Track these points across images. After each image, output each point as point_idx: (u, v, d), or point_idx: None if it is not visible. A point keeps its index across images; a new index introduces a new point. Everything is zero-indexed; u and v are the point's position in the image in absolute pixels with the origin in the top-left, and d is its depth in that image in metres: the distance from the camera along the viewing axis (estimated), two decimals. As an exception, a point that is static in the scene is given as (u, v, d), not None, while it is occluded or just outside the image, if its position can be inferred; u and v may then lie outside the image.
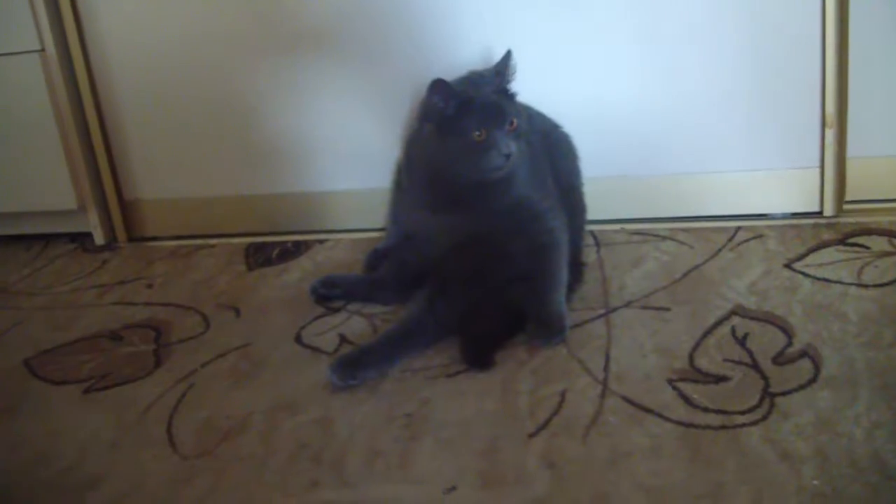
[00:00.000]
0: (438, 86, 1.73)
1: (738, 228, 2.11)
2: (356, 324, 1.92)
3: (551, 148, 2.00)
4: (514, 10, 2.08)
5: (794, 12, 2.00)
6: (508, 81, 1.82)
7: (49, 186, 2.35)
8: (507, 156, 1.73)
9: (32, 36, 2.24)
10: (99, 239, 2.41)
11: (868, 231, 2.04)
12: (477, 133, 1.72)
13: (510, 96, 1.82)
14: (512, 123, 1.75)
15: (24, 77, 2.26)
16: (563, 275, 1.83)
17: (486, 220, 1.82)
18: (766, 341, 1.69)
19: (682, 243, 2.08)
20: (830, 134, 2.04)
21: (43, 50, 2.25)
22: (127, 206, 2.41)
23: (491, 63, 1.88)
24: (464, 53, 2.09)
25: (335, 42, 2.18)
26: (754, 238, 2.07)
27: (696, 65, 2.07)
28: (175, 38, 2.25)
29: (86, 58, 2.29)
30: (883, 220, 2.06)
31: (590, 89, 2.11)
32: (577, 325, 1.80)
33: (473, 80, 1.85)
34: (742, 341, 1.70)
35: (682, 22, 2.05)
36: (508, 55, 1.83)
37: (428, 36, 2.13)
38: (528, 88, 1.89)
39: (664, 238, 2.11)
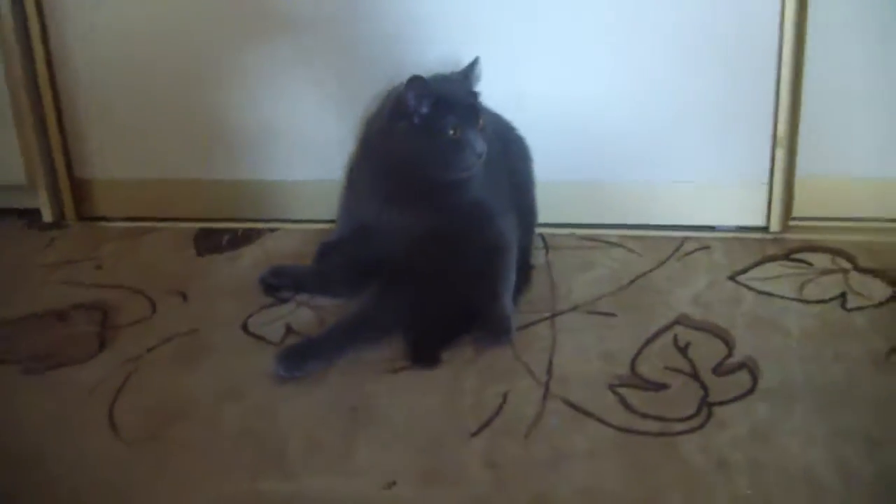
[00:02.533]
0: (416, 82, 1.74)
1: (686, 239, 2.14)
2: (303, 315, 1.92)
3: (506, 149, 2.01)
4: (482, 12, 2.09)
5: (752, 30, 2.02)
6: (474, 85, 1.84)
7: (-1, 159, 2.32)
8: (480, 155, 1.76)
9: (-12, 4, 2.20)
10: (47, 216, 2.38)
11: (812, 248, 2.07)
12: (452, 131, 1.74)
13: (477, 97, 1.84)
14: (481, 122, 1.78)
15: (-24, 45, 2.23)
16: (511, 277, 1.85)
17: (440, 218, 1.83)
18: (707, 351, 1.73)
19: (631, 251, 2.11)
20: (780, 152, 2.07)
21: (-2, 18, 2.22)
22: (77, 185, 2.37)
23: (457, 67, 1.90)
24: (429, 54, 2.09)
25: (300, 31, 2.16)
26: (701, 249, 2.10)
27: (653, 78, 2.09)
28: (137, 15, 2.21)
29: (43, 29, 2.24)
30: (827, 238, 2.10)
31: (545, 93, 2.12)
32: (523, 327, 1.82)
33: (441, 80, 1.86)
34: (684, 350, 1.73)
35: (642, 36, 2.07)
36: (476, 62, 1.86)
37: (392, 32, 2.12)
38: (483, 87, 1.92)
39: (614, 245, 2.14)
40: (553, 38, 2.10)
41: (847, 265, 2.00)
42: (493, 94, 1.96)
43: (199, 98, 2.26)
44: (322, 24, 2.15)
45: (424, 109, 1.75)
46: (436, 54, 2.08)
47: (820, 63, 2.04)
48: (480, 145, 1.75)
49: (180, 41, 2.22)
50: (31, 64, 2.27)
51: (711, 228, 2.17)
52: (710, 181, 2.14)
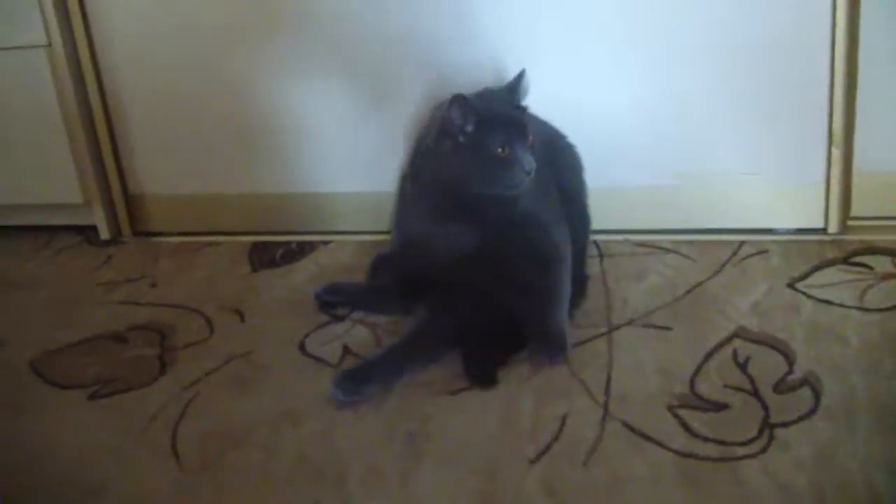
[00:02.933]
0: (459, 101, 1.73)
1: (742, 243, 2.11)
2: (360, 333, 1.92)
3: (556, 159, 2.00)
4: (527, 22, 2.07)
5: (804, 27, 1.99)
6: (522, 98, 1.83)
7: (55, 180, 2.35)
8: (529, 172, 1.74)
9: (39, 31, 2.23)
10: (104, 233, 2.42)
11: (872, 250, 2.04)
12: (500, 149, 1.73)
13: (525, 112, 1.82)
14: (530, 138, 1.76)
15: (31, 72, 2.26)
16: (567, 290, 1.84)
17: (492, 232, 1.82)
18: (767, 366, 1.70)
19: (686, 257, 2.09)
20: (836, 151, 2.04)
21: (49, 45, 2.24)
22: (132, 201, 2.41)
23: (502, 80, 1.89)
24: (473, 62, 2.09)
25: (349, 47, 2.17)
26: (758, 254, 2.07)
27: (705, 78, 2.06)
28: (183, 33, 2.24)
29: (92, 53, 2.28)
30: (888, 238, 2.06)
31: (597, 98, 2.10)
32: (579, 343, 1.81)
33: (488, 96, 1.85)
34: (743, 366, 1.71)
35: (694, 35, 2.04)
36: (522, 74, 1.85)
37: (438, 45, 2.12)
38: (534, 96, 1.92)
39: (668, 251, 2.12)
40: (601, 42, 2.08)
41: (910, 268, 1.96)
42: (544, 96, 1.98)
43: (248, 111, 2.27)
44: (367, 42, 2.16)
45: (469, 128, 1.74)
46: (480, 57, 2.09)
47: (874, 59, 2.00)
48: (529, 162, 1.74)
49: (228, 59, 2.24)
50: (81, 86, 2.31)
51: (769, 231, 2.14)
52: (765, 182, 2.11)
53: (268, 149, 2.29)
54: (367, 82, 2.20)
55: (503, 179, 1.75)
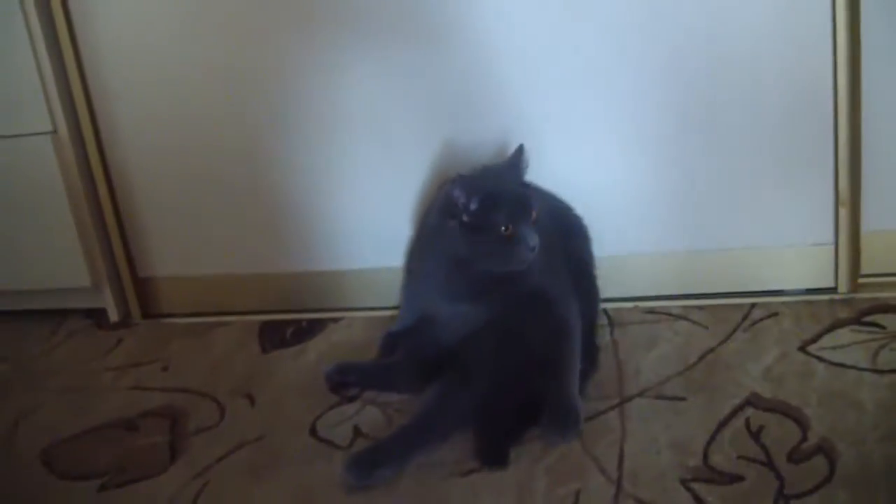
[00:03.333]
0: (461, 181, 1.75)
1: (753, 306, 2.10)
2: (371, 414, 1.91)
3: (564, 230, 2.01)
4: (538, 98, 2.09)
5: (807, 90, 1.99)
6: (523, 174, 1.83)
7: (63, 264, 2.35)
8: (533, 248, 1.75)
9: (45, 118, 2.25)
10: (114, 316, 2.42)
11: (884, 308, 2.02)
12: (504, 228, 1.73)
13: (528, 187, 1.83)
14: (535, 215, 1.77)
15: (37, 158, 2.27)
16: (577, 365, 1.83)
17: (500, 308, 1.82)
18: (781, 435, 1.68)
19: (697, 323, 2.07)
20: (844, 211, 2.04)
21: (55, 132, 2.26)
22: (141, 283, 2.41)
23: (505, 153, 1.90)
24: (480, 139, 2.11)
25: (353, 123, 2.18)
26: (769, 317, 2.06)
27: (712, 145, 2.07)
28: (188, 116, 2.25)
29: (97, 138, 2.29)
30: (898, 296, 2.05)
31: (603, 168, 2.11)
32: (591, 417, 1.79)
33: (490, 173, 1.86)
34: (757, 435, 1.69)
35: (697, 97, 2.05)
36: (521, 149, 1.85)
37: (445, 122, 2.14)
38: (541, 166, 1.93)
39: (678, 317, 2.11)
40: (609, 114, 2.09)
41: (921, 326, 1.95)
42: (550, 167, 2.00)
43: (253, 193, 2.28)
44: (372, 116, 2.17)
45: (473, 207, 1.76)
46: (487, 134, 2.10)
47: (877, 119, 2.01)
48: (533, 239, 1.75)
49: (232, 141, 2.25)
50: (87, 170, 2.32)
51: (779, 293, 2.13)
52: (774, 244, 2.11)
53: (275, 228, 2.29)
54: (372, 158, 2.20)
55: (508, 258, 1.76)
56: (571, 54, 2.05)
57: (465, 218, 1.77)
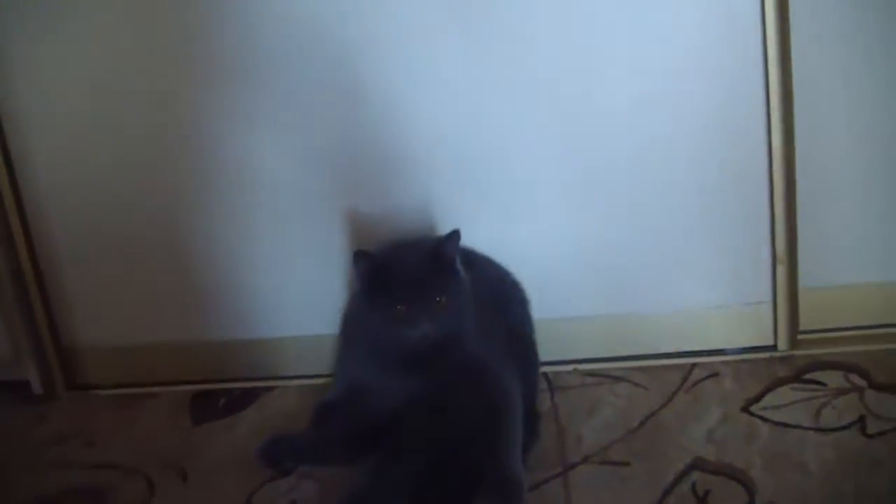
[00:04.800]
0: (360, 257, 1.75)
1: (694, 366, 2.08)
2: (307, 488, 1.85)
3: (501, 296, 1.98)
4: (471, 161, 2.07)
5: (740, 151, 2.00)
6: (451, 257, 1.79)
7: (-19, 334, 2.27)
8: (425, 335, 1.73)
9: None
10: (37, 388, 2.31)
11: (823, 365, 2.02)
12: (398, 307, 1.72)
13: (446, 269, 1.79)
14: (440, 300, 1.73)
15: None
16: (517, 434, 1.78)
17: (435, 379, 1.77)
18: (727, 499, 1.65)
19: (637, 385, 2.05)
20: (781, 269, 2.04)
21: (-31, 195, 2.19)
22: (65, 354, 2.32)
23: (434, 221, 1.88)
24: (415, 200, 2.08)
25: (283, 181, 2.14)
26: (710, 377, 2.04)
27: (641, 202, 2.06)
28: (110, 175, 2.19)
29: (17, 200, 2.22)
30: (837, 352, 2.04)
31: (537, 229, 2.09)
32: (534, 487, 1.75)
33: (407, 247, 1.85)
34: (703, 500, 1.66)
35: (629, 158, 2.04)
36: (454, 235, 1.79)
37: (378, 183, 2.11)
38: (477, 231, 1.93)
39: (619, 379, 2.08)
40: (542, 178, 2.07)
41: (862, 382, 1.93)
42: (481, 233, 1.97)
43: (182, 258, 2.22)
44: (301, 180, 2.13)
45: (370, 284, 1.75)
46: (419, 200, 2.08)
47: (811, 177, 2.01)
48: (424, 326, 1.72)
49: (160, 201, 2.19)
50: (7, 235, 2.23)
51: (720, 352, 2.11)
52: (713, 304, 2.10)
53: (204, 295, 2.23)
54: (301, 225, 2.17)
55: (398, 339, 1.75)
56: (495, 122, 2.04)
57: (362, 293, 1.78)
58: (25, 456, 2.09)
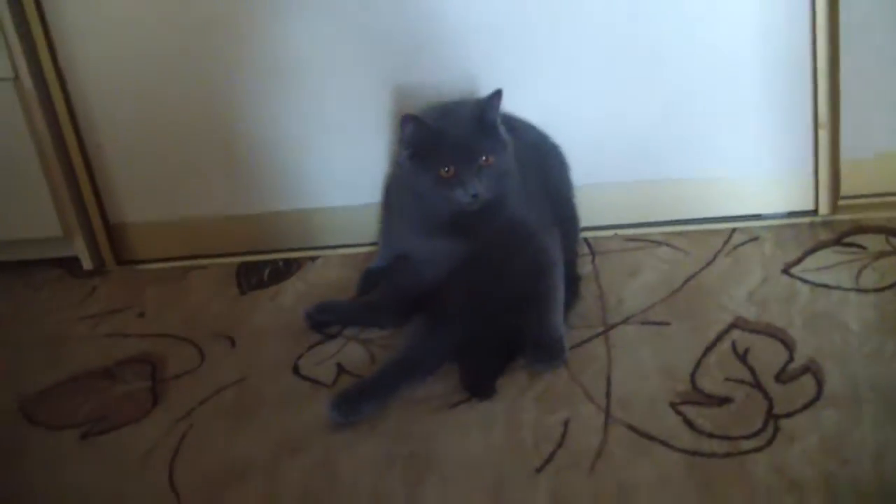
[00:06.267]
0: (407, 120, 1.74)
1: (734, 231, 2.08)
2: (353, 351, 1.89)
3: (542, 160, 1.98)
4: (515, 31, 2.05)
5: (783, 15, 1.97)
6: (493, 118, 1.79)
7: (33, 214, 2.29)
8: (475, 195, 1.73)
9: (5, 64, 2.16)
10: (87, 264, 2.36)
11: (864, 229, 2.02)
12: (445, 170, 1.72)
13: (490, 130, 1.78)
14: (486, 160, 1.73)
15: (0, 105, 2.21)
16: (560, 294, 1.82)
17: (479, 242, 1.80)
18: (767, 357, 1.68)
19: (678, 249, 2.06)
20: (823, 134, 2.02)
21: (17, 77, 2.18)
22: (113, 230, 2.36)
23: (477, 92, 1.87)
24: (454, 73, 2.07)
25: (322, 58, 2.13)
26: (750, 241, 2.04)
27: (684, 68, 2.04)
28: (153, 55, 2.18)
29: (62, 83, 2.22)
30: (878, 217, 2.04)
31: (578, 95, 2.07)
32: (576, 346, 1.78)
33: (451, 110, 1.83)
34: (743, 357, 1.69)
35: (674, 24, 2.01)
36: (497, 94, 1.78)
37: (417, 45, 2.09)
38: (519, 99, 1.91)
39: (659, 244, 2.09)
40: (586, 46, 2.05)
41: (902, 245, 1.94)
42: (523, 98, 1.96)
43: (223, 132, 2.23)
44: (343, 50, 2.12)
45: (418, 147, 1.76)
46: (460, 69, 2.06)
47: (854, 43, 1.98)
48: (474, 186, 1.73)
49: (200, 77, 2.19)
50: (53, 117, 2.25)
51: (759, 217, 2.11)
52: (755, 169, 2.09)
53: (247, 168, 2.25)
54: (343, 93, 2.16)
55: (449, 199, 1.75)
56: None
57: (410, 157, 1.77)
58: (80, 328, 2.14)
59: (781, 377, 1.62)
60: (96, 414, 1.81)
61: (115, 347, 2.03)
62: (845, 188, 2.09)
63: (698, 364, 1.69)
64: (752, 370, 1.65)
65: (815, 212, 2.09)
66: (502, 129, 1.80)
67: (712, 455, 1.48)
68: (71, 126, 2.26)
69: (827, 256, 1.95)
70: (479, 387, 1.70)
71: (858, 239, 1.99)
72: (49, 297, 2.30)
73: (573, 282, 1.93)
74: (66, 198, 2.30)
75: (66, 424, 1.80)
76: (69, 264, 2.39)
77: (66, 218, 2.31)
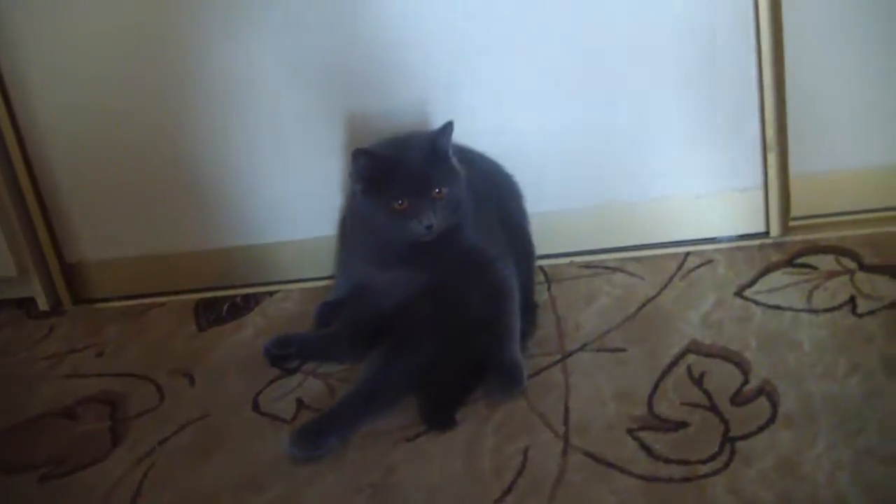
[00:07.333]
0: (360, 154, 1.75)
1: (688, 254, 2.11)
2: (313, 385, 1.89)
3: (495, 190, 2.00)
4: (466, 57, 2.07)
5: (729, 37, 2.00)
6: (445, 150, 1.81)
7: (-14, 254, 2.29)
8: (429, 227, 1.74)
9: (-44, 104, 2.18)
10: (43, 304, 2.36)
11: (815, 249, 2.05)
12: (399, 202, 1.74)
13: (442, 161, 1.80)
14: (439, 192, 1.75)
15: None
16: (517, 322, 1.83)
17: (435, 272, 1.81)
18: (722, 380, 1.70)
19: (633, 275, 2.08)
20: (772, 155, 2.05)
21: (-32, 117, 2.20)
22: (69, 269, 2.36)
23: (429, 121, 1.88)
24: (405, 103, 2.09)
25: (277, 92, 2.14)
26: (704, 264, 2.07)
27: (634, 92, 2.07)
28: (107, 88, 2.19)
29: (12, 118, 2.23)
30: (829, 237, 2.07)
31: (530, 125, 2.10)
32: (534, 374, 1.79)
33: (403, 143, 1.84)
34: (699, 381, 1.70)
35: (620, 47, 2.04)
36: (448, 126, 1.81)
37: (368, 87, 2.11)
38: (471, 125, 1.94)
39: (614, 270, 2.11)
40: (536, 72, 2.08)
41: (852, 264, 1.97)
42: (475, 128, 1.99)
43: (179, 168, 2.24)
44: (299, 80, 2.13)
45: (371, 181, 1.77)
46: (419, 97, 2.09)
47: (801, 62, 2.01)
48: (429, 217, 1.75)
49: (155, 112, 2.20)
50: (5, 155, 2.25)
51: (713, 240, 2.14)
52: (704, 192, 2.12)
53: (202, 204, 2.26)
54: (297, 128, 2.17)
55: (403, 231, 1.77)
56: (490, 16, 2.04)
57: (362, 191, 1.79)
58: (38, 368, 2.13)
59: (737, 399, 1.64)
60: (55, 455, 1.80)
61: (73, 388, 2.03)
62: (796, 206, 2.12)
63: (655, 389, 1.70)
64: (707, 394, 1.67)
65: (766, 233, 2.12)
66: (454, 160, 1.82)
67: (670, 480, 1.49)
68: (23, 162, 2.26)
69: (779, 278, 1.98)
70: (439, 418, 1.71)
71: (810, 259, 2.02)
72: (6, 338, 2.29)
73: (530, 310, 1.94)
74: (22, 237, 2.30)
75: (25, 467, 1.78)
76: (27, 304, 2.38)
77: (22, 258, 2.31)
